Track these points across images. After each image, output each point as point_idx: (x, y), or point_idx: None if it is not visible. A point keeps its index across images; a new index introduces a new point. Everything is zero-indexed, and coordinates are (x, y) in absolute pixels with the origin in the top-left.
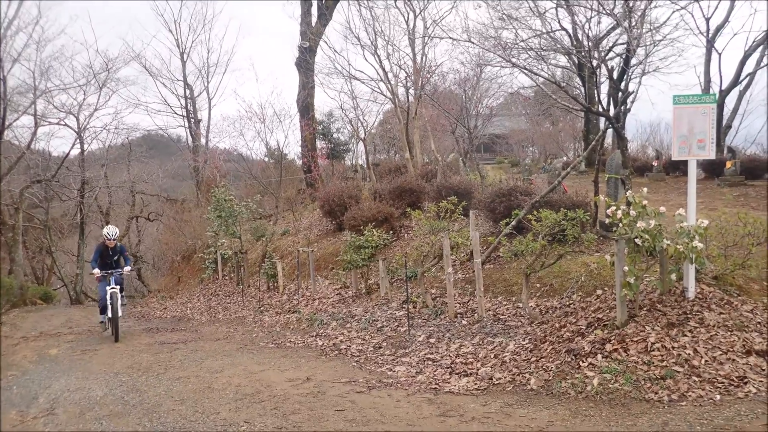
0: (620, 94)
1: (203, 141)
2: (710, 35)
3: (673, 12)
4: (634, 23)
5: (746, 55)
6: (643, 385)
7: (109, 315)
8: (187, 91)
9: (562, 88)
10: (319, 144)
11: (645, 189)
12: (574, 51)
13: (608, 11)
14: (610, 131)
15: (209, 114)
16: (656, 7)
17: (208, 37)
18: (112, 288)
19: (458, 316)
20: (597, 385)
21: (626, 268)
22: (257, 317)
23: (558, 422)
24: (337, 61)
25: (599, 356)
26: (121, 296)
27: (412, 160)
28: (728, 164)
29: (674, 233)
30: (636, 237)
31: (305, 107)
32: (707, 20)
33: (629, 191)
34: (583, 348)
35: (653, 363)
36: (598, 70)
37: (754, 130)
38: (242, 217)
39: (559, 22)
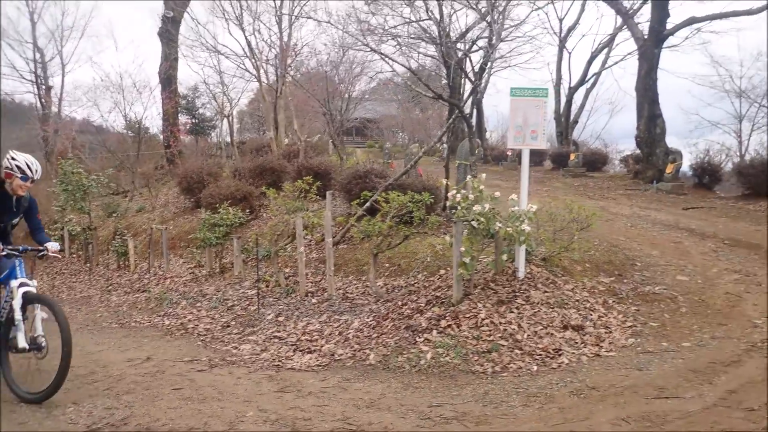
0: (470, 85)
1: (55, 110)
2: (562, 35)
3: (532, 10)
4: (495, 18)
5: (593, 56)
6: (471, 359)
7: (22, 345)
8: (38, 55)
9: (416, 75)
10: (183, 119)
11: (484, 175)
12: (440, 41)
13: (473, 5)
14: None
15: (62, 81)
16: (518, 5)
17: None
18: (24, 285)
19: (309, 294)
20: (430, 359)
21: (462, 248)
22: (104, 297)
23: (390, 395)
24: (200, 33)
25: (434, 332)
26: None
27: (276, 139)
28: (572, 156)
29: (507, 217)
30: (473, 220)
31: (167, 79)
32: (560, 21)
33: (469, 177)
34: (421, 324)
35: (482, 338)
36: (464, 61)
37: (599, 127)
38: (92, 191)
39: (427, 10)
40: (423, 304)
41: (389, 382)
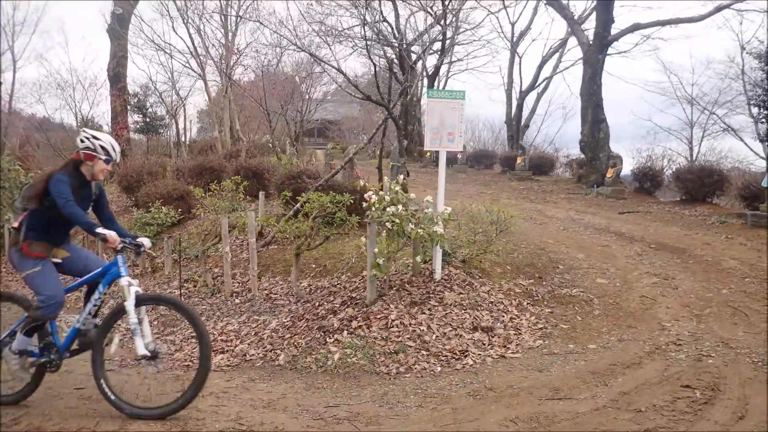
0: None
1: (4, 106)
2: (514, 39)
3: (487, 15)
4: (449, 21)
5: (543, 60)
6: (377, 359)
7: (143, 352)
8: None
9: (345, 75)
10: (135, 117)
11: (401, 177)
12: (396, 44)
13: (427, 9)
14: None
15: (14, 77)
16: (475, 9)
17: None
18: (132, 285)
19: (234, 295)
20: (337, 360)
21: (376, 249)
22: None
23: (290, 395)
24: (143, 30)
25: (345, 333)
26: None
27: (221, 139)
28: (519, 160)
29: (421, 219)
30: (387, 221)
31: (115, 77)
32: (512, 25)
33: (386, 178)
34: (333, 325)
35: (390, 338)
36: (419, 62)
37: (553, 131)
38: None
39: (381, 13)
40: (338, 305)
41: (293, 382)
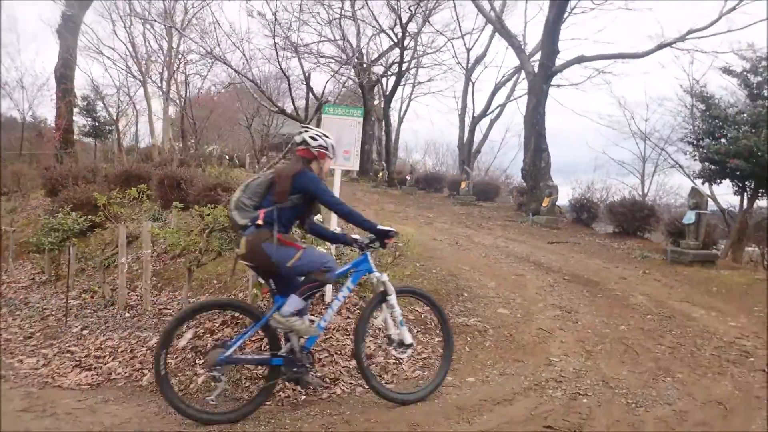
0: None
1: None
2: (469, 65)
3: (447, 41)
4: (407, 44)
5: (497, 87)
6: (242, 384)
7: (409, 341)
8: None
9: (259, 87)
10: (83, 120)
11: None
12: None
13: (385, 30)
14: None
15: None
16: (435, 33)
17: None
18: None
19: (128, 308)
20: (200, 384)
21: None
22: None
23: (136, 419)
24: (87, 33)
25: None
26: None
27: (157, 146)
28: (463, 185)
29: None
30: None
31: (61, 78)
32: (468, 51)
33: None
34: (206, 345)
35: None
36: (378, 84)
37: (508, 159)
38: None
39: (343, 34)
40: (218, 324)
41: (147, 405)
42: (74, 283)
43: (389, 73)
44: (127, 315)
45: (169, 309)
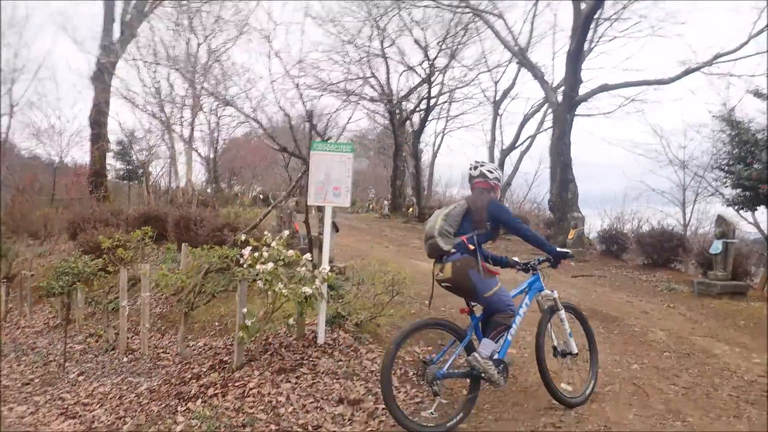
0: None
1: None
2: (497, 97)
3: (477, 75)
4: (434, 80)
5: (525, 119)
6: None
7: (576, 350)
8: None
9: (262, 127)
10: (118, 164)
11: (287, 232)
12: (385, 100)
13: (413, 67)
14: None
15: (10, 122)
16: (463, 67)
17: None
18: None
19: (130, 352)
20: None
21: (245, 310)
22: None
23: None
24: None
25: (200, 401)
26: None
27: (181, 189)
28: None
29: (296, 278)
30: (258, 279)
31: (95, 123)
32: (495, 83)
33: (268, 234)
34: (190, 391)
35: (243, 409)
36: (408, 120)
37: (543, 191)
38: None
39: (370, 69)
40: (205, 369)
41: None
42: (82, 327)
43: (419, 109)
44: (125, 360)
45: (168, 353)
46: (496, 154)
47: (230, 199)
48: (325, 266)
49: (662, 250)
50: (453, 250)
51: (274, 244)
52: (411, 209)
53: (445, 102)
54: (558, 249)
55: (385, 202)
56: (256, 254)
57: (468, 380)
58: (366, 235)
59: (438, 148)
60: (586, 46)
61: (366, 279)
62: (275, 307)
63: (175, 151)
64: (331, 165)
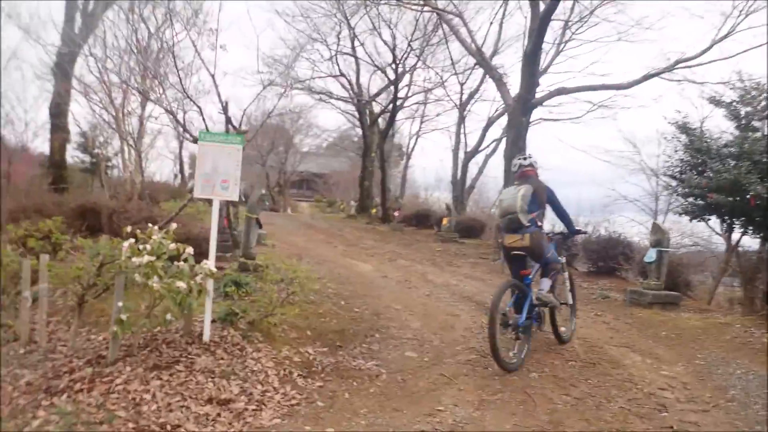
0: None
1: None
2: (462, 99)
3: (448, 77)
4: (403, 81)
5: (490, 122)
6: (77, 430)
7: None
8: None
9: (183, 127)
10: (81, 156)
11: (174, 225)
12: (354, 99)
13: (381, 68)
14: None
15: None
16: (427, 68)
17: None
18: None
19: (33, 343)
20: (35, 428)
21: (120, 303)
22: None
23: None
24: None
25: (65, 395)
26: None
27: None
28: (444, 221)
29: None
30: (135, 272)
31: (56, 115)
32: (461, 85)
33: (156, 228)
34: (59, 385)
35: (105, 406)
36: (378, 119)
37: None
38: None
39: (340, 70)
40: (82, 363)
41: None
42: None
43: (387, 109)
44: (21, 351)
45: (65, 346)
46: (461, 156)
47: (183, 194)
48: (209, 261)
49: (607, 257)
50: (528, 224)
51: (155, 236)
52: (374, 210)
53: (416, 103)
54: (575, 228)
55: (353, 202)
56: (140, 247)
57: (532, 322)
58: (320, 234)
59: (412, 150)
60: (553, 50)
61: (285, 278)
62: (154, 302)
63: (124, 143)
64: (219, 157)
